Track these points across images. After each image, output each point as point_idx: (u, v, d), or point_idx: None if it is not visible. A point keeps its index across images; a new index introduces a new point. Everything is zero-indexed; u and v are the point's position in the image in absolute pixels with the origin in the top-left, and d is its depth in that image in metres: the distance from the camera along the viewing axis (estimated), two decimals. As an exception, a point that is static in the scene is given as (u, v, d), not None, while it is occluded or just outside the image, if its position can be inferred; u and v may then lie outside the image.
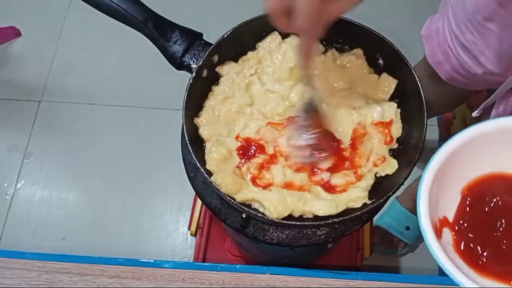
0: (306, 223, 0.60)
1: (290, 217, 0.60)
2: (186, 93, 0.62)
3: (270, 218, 0.58)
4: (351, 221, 0.62)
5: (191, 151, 0.59)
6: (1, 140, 1.57)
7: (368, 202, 0.60)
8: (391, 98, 0.67)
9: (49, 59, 1.69)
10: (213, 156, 0.62)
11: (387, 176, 0.63)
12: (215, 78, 0.68)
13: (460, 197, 0.47)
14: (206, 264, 0.73)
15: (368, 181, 0.62)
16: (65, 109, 1.61)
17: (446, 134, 1.46)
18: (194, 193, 0.67)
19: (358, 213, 0.58)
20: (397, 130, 0.65)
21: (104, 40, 1.62)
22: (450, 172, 0.46)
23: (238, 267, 0.70)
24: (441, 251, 0.41)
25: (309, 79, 0.60)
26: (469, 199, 0.47)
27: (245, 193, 0.60)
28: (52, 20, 1.75)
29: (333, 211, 0.59)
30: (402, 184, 0.58)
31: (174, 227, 1.43)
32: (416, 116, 0.63)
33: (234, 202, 0.59)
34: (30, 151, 1.55)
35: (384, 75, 0.68)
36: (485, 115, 0.79)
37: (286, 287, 0.69)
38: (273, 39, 0.70)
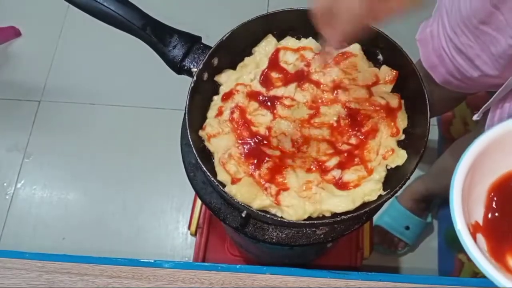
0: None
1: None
2: (188, 96, 0.62)
3: (287, 221, 0.58)
4: (350, 220, 0.62)
5: (201, 165, 0.59)
6: (0, 140, 1.57)
7: (383, 193, 0.60)
8: (393, 92, 0.68)
9: (49, 59, 1.69)
10: (224, 170, 0.62)
11: (396, 168, 0.63)
12: (214, 88, 0.68)
13: (485, 197, 0.47)
14: (206, 264, 0.73)
15: (381, 173, 0.62)
16: (65, 109, 1.61)
17: (446, 134, 1.46)
18: (193, 192, 0.67)
19: (375, 205, 0.58)
20: (402, 121, 0.65)
21: (104, 40, 1.61)
22: (481, 167, 0.46)
23: (238, 267, 0.70)
24: (484, 258, 0.41)
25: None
26: (495, 199, 0.47)
27: (262, 199, 0.59)
28: (52, 20, 1.75)
29: (350, 206, 0.59)
30: (414, 171, 0.59)
31: (174, 227, 1.43)
32: (418, 106, 0.63)
33: (247, 206, 0.58)
34: (30, 151, 1.55)
35: (384, 68, 0.68)
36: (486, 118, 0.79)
37: (286, 287, 0.69)
38: (269, 42, 0.70)
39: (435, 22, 0.83)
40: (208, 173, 0.59)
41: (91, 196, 1.48)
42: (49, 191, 1.49)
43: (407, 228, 1.33)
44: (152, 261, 0.71)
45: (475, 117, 0.77)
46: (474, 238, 0.44)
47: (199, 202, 1.18)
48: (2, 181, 1.50)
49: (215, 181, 0.59)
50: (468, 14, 0.71)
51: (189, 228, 1.17)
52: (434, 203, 1.40)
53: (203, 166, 0.59)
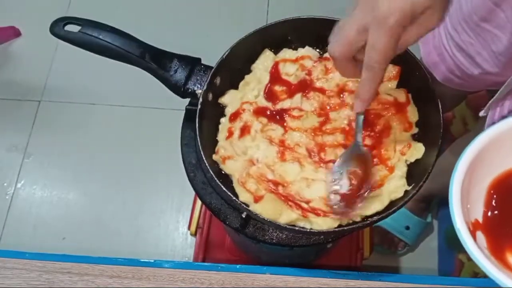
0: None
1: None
2: (197, 118, 0.61)
3: (317, 230, 0.57)
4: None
5: (225, 191, 0.58)
6: (1, 140, 1.57)
7: (409, 188, 0.60)
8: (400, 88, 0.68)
9: (49, 59, 1.69)
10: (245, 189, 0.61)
11: (415, 164, 0.63)
12: (219, 111, 0.68)
13: (485, 195, 0.47)
14: (206, 264, 0.72)
15: (402, 169, 0.62)
16: (65, 109, 1.61)
17: (446, 134, 1.46)
18: (193, 193, 0.67)
19: (403, 202, 0.57)
20: (413, 115, 0.66)
21: (104, 40, 1.62)
22: (481, 166, 0.46)
23: (238, 267, 0.70)
24: (483, 256, 0.41)
25: (360, 123, 0.57)
26: (495, 197, 0.47)
27: (288, 214, 0.58)
28: (52, 20, 1.74)
29: (379, 207, 0.59)
30: (435, 162, 0.58)
31: (174, 227, 1.43)
32: (427, 97, 0.63)
33: (275, 223, 0.58)
34: (30, 151, 1.54)
35: None
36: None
37: (286, 287, 0.69)
38: (267, 56, 0.70)
39: None
40: (233, 197, 0.58)
41: (91, 196, 1.48)
42: (49, 191, 1.49)
43: (407, 228, 1.33)
44: (152, 261, 0.71)
45: (481, 113, 0.77)
46: (474, 236, 0.44)
47: (199, 202, 1.18)
48: (2, 181, 1.50)
49: (237, 200, 0.58)
50: (469, 12, 0.71)
51: (189, 228, 1.17)
52: (434, 203, 1.40)
53: (227, 191, 0.58)
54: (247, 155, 0.64)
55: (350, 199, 0.57)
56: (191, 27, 1.73)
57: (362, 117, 0.56)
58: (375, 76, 0.48)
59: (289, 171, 0.62)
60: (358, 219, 0.59)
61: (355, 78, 0.52)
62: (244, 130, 0.66)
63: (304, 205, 0.59)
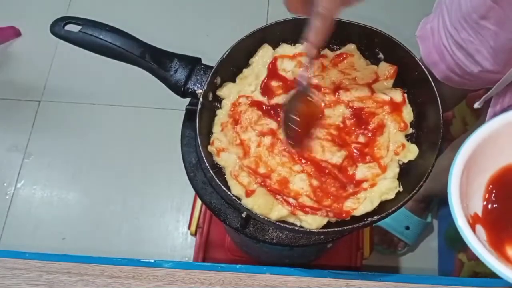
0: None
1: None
2: (197, 117, 0.62)
3: (308, 229, 0.58)
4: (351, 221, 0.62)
5: (220, 184, 0.58)
6: (1, 140, 1.57)
7: (401, 190, 0.60)
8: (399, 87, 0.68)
9: (49, 59, 1.69)
10: (238, 182, 0.61)
11: (414, 164, 0.63)
12: (217, 102, 0.68)
13: (484, 189, 0.47)
14: (206, 264, 0.73)
15: (394, 170, 0.62)
16: (65, 109, 1.61)
17: (446, 134, 1.46)
18: (194, 193, 0.67)
19: (395, 207, 0.57)
20: (408, 115, 0.65)
21: (104, 40, 1.62)
22: (478, 161, 0.46)
23: (238, 267, 0.70)
24: (485, 250, 0.41)
25: (311, 61, 0.60)
26: (495, 191, 0.47)
27: (279, 209, 0.59)
28: (52, 20, 1.75)
29: (369, 208, 0.59)
30: (434, 164, 0.58)
31: (174, 226, 1.43)
32: (426, 96, 0.63)
33: (266, 218, 0.58)
34: (30, 151, 1.55)
35: (383, 64, 0.68)
36: (487, 107, 0.80)
37: (286, 287, 0.69)
38: (265, 51, 0.70)
39: (436, 18, 0.83)
40: (226, 190, 0.58)
41: (91, 196, 1.48)
42: (49, 191, 1.49)
43: (407, 228, 1.33)
44: (152, 261, 0.71)
45: (476, 105, 0.78)
46: (474, 229, 0.44)
47: (199, 202, 1.18)
48: (2, 181, 1.50)
49: (232, 196, 0.58)
50: (468, 10, 0.71)
51: (189, 228, 1.17)
52: (434, 203, 1.40)
53: (222, 185, 0.58)
54: (238, 140, 0.65)
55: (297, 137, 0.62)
56: (191, 27, 1.73)
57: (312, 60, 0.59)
58: (325, 23, 0.52)
59: (277, 160, 0.63)
60: (348, 218, 0.59)
61: (301, 14, 0.55)
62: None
63: (292, 201, 0.59)
